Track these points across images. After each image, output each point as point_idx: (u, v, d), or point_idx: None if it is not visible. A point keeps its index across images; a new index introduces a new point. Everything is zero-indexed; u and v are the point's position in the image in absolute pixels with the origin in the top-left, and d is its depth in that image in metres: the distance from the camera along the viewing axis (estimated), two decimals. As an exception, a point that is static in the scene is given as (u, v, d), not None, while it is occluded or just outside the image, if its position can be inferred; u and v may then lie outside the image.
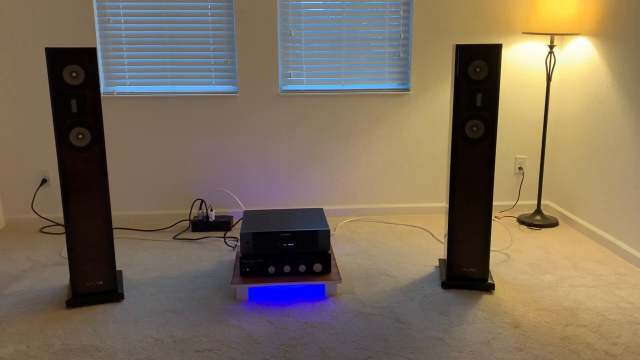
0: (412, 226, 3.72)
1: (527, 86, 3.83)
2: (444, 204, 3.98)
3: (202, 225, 3.62)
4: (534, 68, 3.80)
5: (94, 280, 2.63)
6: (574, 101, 3.64)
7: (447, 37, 3.73)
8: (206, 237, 3.52)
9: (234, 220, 3.81)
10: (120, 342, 2.34)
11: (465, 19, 3.70)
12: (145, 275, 2.98)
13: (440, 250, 3.29)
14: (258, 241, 2.71)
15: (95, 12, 3.56)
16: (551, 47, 3.56)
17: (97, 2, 3.56)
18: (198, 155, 3.78)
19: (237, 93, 3.71)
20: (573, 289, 2.78)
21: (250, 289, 2.73)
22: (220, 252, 3.28)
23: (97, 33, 3.59)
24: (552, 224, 3.66)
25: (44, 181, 3.73)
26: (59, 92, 2.44)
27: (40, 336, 2.38)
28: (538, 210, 3.75)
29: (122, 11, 3.58)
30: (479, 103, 2.61)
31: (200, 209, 3.67)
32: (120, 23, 3.60)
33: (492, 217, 3.71)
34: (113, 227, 3.71)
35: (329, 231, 2.73)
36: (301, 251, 2.73)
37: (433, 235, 3.54)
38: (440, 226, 3.71)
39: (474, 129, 2.64)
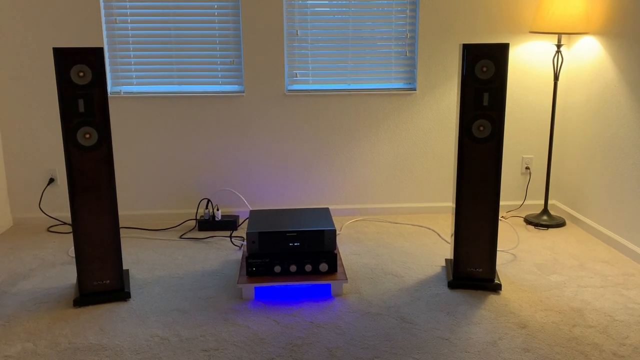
0: (419, 226, 3.71)
1: (535, 85, 3.81)
2: (450, 203, 3.97)
3: (208, 224, 3.62)
4: (541, 67, 3.78)
5: (100, 279, 2.64)
6: (582, 100, 3.62)
7: (453, 37, 3.72)
8: (212, 237, 3.53)
9: (240, 220, 3.81)
10: (127, 341, 2.34)
11: (472, 18, 3.69)
12: (151, 274, 2.99)
13: (446, 250, 3.29)
14: (264, 241, 2.71)
15: (102, 12, 3.57)
16: (558, 46, 3.55)
17: (104, 2, 3.57)
18: (204, 155, 3.79)
19: (244, 93, 3.72)
20: (580, 289, 2.77)
21: (256, 288, 2.73)
22: (226, 252, 3.28)
23: (104, 33, 3.61)
24: (560, 224, 3.65)
25: (51, 180, 3.75)
26: (67, 92, 2.45)
27: (48, 335, 2.39)
28: (545, 210, 3.74)
29: (128, 11, 3.59)
30: (485, 102, 2.60)
31: (206, 208, 3.68)
32: (127, 23, 3.61)
33: (499, 217, 3.69)
34: (120, 226, 3.72)
35: (335, 231, 2.73)
36: (307, 251, 2.73)
37: (439, 235, 3.53)
38: (446, 226, 3.70)
39: (481, 128, 2.63)
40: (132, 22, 3.61)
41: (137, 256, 3.23)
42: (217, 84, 3.73)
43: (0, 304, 2.67)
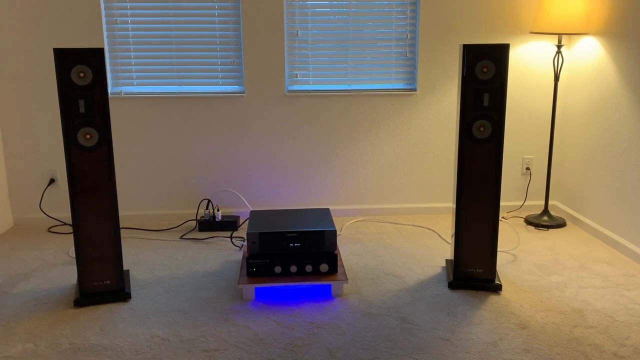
0: (419, 226, 3.71)
1: (535, 86, 3.81)
2: (450, 204, 3.97)
3: (208, 225, 3.62)
4: (541, 68, 3.78)
5: (101, 279, 2.64)
6: (582, 101, 3.62)
7: (454, 37, 3.72)
8: (213, 237, 3.53)
9: (241, 220, 3.81)
10: (128, 342, 2.34)
11: (473, 18, 3.69)
12: (152, 274, 2.99)
13: (447, 251, 3.29)
14: (265, 241, 2.71)
15: (103, 12, 3.58)
16: (559, 46, 3.55)
17: (104, 2, 3.57)
18: (205, 155, 3.79)
19: (244, 93, 3.72)
20: (581, 290, 2.77)
21: (256, 288, 2.73)
22: (226, 252, 3.28)
23: (105, 33, 3.61)
24: (560, 224, 3.65)
25: (51, 181, 3.75)
26: (67, 92, 2.45)
27: (48, 335, 2.39)
28: (545, 211, 3.74)
29: (129, 12, 3.59)
30: (486, 103, 2.60)
31: (207, 208, 3.68)
32: (128, 24, 3.61)
33: (499, 218, 3.69)
34: (120, 226, 3.73)
35: (335, 231, 2.73)
36: (308, 251, 2.73)
37: (440, 236, 3.53)
38: (447, 227, 3.70)
39: (481, 129, 2.63)
40: (132, 22, 3.61)
41: (137, 257, 3.23)
42: (218, 84, 3.73)
43: (0, 304, 2.67)
